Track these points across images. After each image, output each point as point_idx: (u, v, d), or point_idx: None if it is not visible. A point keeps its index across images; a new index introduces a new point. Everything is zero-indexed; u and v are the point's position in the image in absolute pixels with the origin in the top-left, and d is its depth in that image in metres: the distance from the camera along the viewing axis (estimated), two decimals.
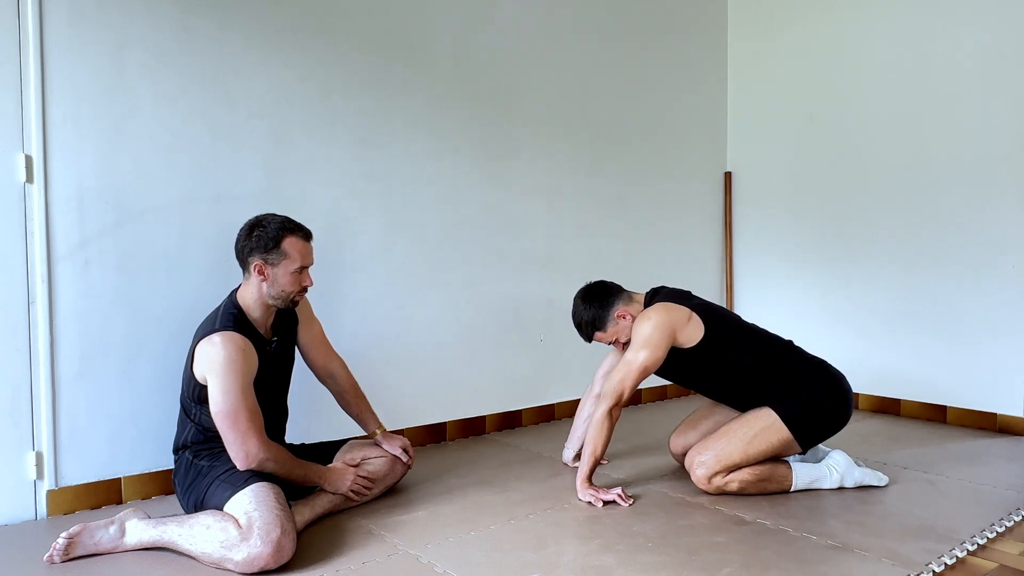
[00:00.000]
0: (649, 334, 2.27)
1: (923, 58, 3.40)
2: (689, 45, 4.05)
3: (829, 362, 2.44)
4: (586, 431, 2.40)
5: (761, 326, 2.50)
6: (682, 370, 2.40)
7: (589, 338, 2.49)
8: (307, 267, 2.09)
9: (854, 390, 3.68)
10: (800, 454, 2.38)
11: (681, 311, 2.32)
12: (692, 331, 2.31)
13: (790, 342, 2.45)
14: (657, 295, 2.44)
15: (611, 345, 2.51)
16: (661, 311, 2.31)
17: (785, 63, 3.97)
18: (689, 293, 2.47)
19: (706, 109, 4.16)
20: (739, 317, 2.50)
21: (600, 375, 2.65)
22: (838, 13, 3.72)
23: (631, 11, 3.75)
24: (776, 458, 2.35)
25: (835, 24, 3.73)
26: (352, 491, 2.16)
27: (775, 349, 2.39)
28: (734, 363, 2.34)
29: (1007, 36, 3.13)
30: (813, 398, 2.30)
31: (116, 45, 2.25)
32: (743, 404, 2.41)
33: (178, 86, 2.37)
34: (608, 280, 2.54)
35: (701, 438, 2.44)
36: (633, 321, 2.40)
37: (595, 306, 2.44)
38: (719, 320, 2.37)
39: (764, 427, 2.27)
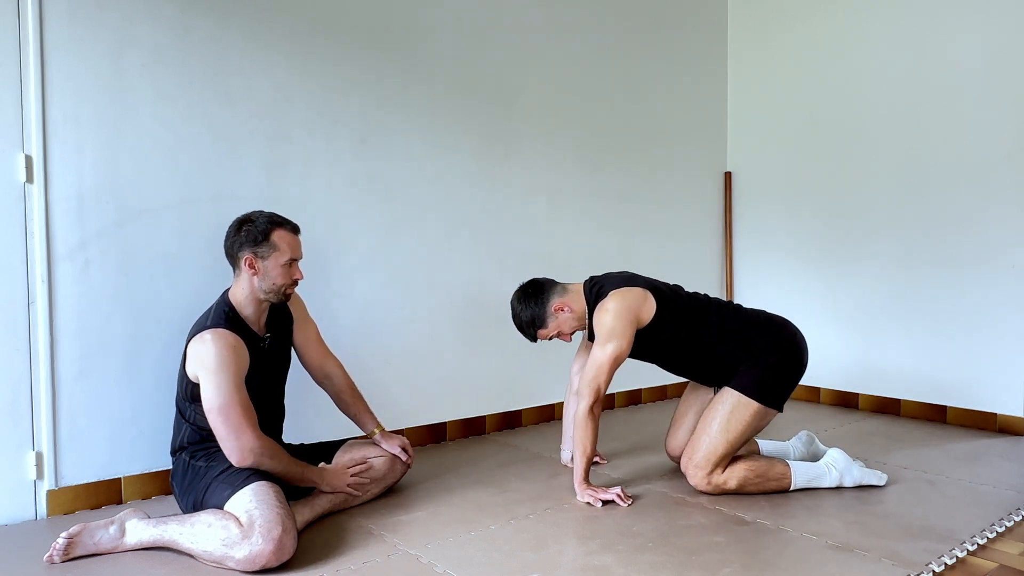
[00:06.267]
0: (612, 324, 2.27)
1: (923, 58, 3.40)
2: (689, 45, 4.05)
3: (772, 312, 2.45)
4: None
5: (703, 293, 2.50)
6: (642, 349, 2.39)
7: (534, 338, 2.49)
8: (296, 260, 2.10)
9: (854, 389, 3.69)
10: (778, 411, 2.35)
11: (634, 291, 2.32)
12: (648, 309, 2.32)
13: (730, 302, 2.46)
14: (595, 283, 2.43)
15: (555, 338, 2.51)
16: (618, 298, 2.30)
17: (785, 63, 3.97)
18: (633, 274, 2.46)
19: (706, 109, 4.16)
20: (681, 287, 2.50)
21: (575, 370, 2.66)
22: (838, 13, 3.72)
23: (631, 11, 3.75)
24: (773, 459, 2.37)
25: (835, 24, 3.73)
26: (349, 486, 2.17)
27: (723, 314, 2.38)
28: (686, 335, 2.35)
29: (1007, 36, 3.13)
30: (767, 360, 2.30)
31: (116, 45, 2.25)
32: (703, 375, 2.43)
33: (178, 86, 2.37)
34: (540, 277, 2.54)
35: (690, 435, 2.44)
36: (572, 312, 2.42)
37: (532, 305, 2.44)
38: (666, 295, 2.37)
39: (732, 407, 2.28)
